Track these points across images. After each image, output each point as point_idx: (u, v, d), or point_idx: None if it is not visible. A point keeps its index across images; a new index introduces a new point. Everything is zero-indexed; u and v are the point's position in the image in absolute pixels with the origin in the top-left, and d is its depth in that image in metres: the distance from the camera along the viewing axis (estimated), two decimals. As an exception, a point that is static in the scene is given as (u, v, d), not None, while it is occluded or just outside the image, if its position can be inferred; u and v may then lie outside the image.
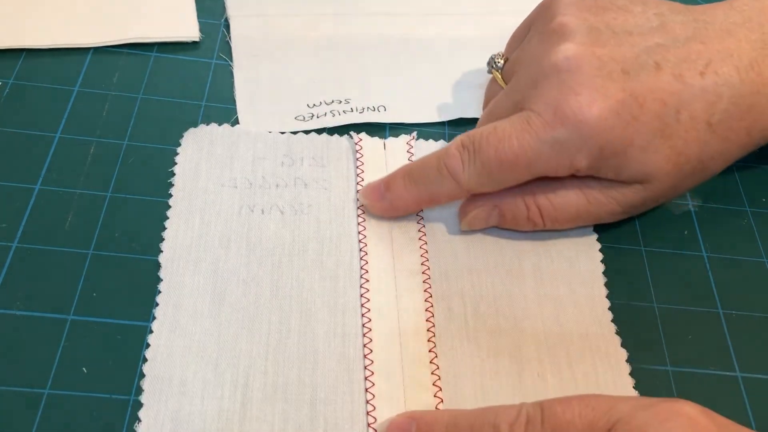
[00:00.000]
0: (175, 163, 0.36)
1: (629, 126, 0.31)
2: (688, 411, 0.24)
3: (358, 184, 0.36)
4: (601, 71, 0.31)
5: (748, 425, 0.31)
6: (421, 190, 0.34)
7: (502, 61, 0.36)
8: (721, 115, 0.32)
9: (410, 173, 0.34)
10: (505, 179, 0.33)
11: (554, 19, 0.33)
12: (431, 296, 0.33)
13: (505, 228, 0.35)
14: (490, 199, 0.34)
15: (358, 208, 0.35)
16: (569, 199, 0.34)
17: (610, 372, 0.31)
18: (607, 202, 0.34)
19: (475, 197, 0.34)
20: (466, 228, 0.35)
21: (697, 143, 0.32)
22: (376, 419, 0.29)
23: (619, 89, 0.31)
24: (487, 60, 0.37)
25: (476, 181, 0.32)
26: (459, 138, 0.33)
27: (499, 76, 0.36)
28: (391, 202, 0.34)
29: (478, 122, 0.36)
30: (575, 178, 0.33)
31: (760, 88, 0.33)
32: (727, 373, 0.32)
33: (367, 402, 0.29)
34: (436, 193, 0.33)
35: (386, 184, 0.34)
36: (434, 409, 0.29)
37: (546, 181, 0.33)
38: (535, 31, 0.35)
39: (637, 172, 0.32)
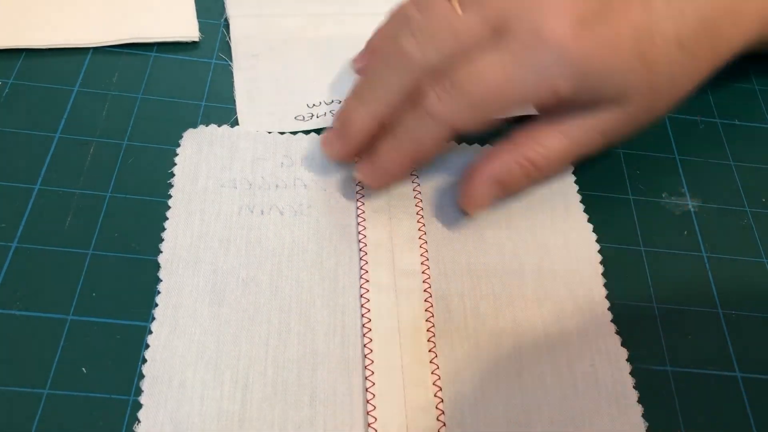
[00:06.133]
0: (175, 164, 0.36)
1: (608, 48, 0.32)
2: None
3: (357, 185, 0.36)
4: None
5: (747, 425, 0.31)
6: (407, 145, 0.33)
7: None
8: (690, 33, 0.33)
9: (394, 134, 0.33)
10: (490, 112, 0.33)
11: None
12: (431, 296, 0.33)
13: (506, 197, 0.36)
14: (485, 173, 0.34)
15: (357, 208, 0.35)
16: (553, 144, 0.34)
17: (610, 372, 0.31)
18: (588, 134, 0.34)
19: (471, 179, 0.34)
20: (475, 211, 0.35)
21: (668, 62, 0.33)
22: (376, 419, 0.29)
23: (597, 13, 0.32)
24: None
25: (460, 117, 0.32)
26: (433, 80, 0.32)
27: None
28: (384, 169, 0.34)
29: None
30: (552, 121, 0.34)
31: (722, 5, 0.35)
32: (727, 373, 0.32)
33: (367, 402, 0.29)
34: (423, 142, 0.33)
35: (371, 154, 0.34)
36: (434, 409, 0.29)
37: (527, 134, 0.34)
38: None
39: (614, 92, 0.33)
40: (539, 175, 0.35)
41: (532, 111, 0.36)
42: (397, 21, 0.36)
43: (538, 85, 0.32)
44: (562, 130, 0.34)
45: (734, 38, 0.36)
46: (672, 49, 0.33)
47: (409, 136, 0.33)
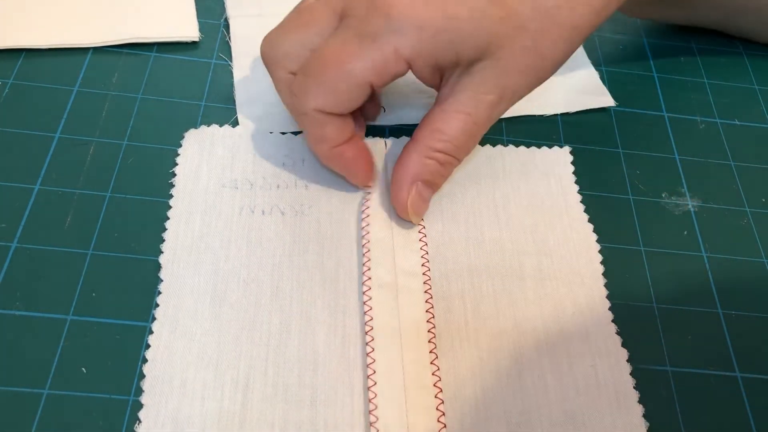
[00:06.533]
0: (176, 164, 0.36)
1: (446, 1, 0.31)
2: None
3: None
4: None
5: (747, 425, 0.31)
6: (313, 147, 0.34)
7: None
8: None
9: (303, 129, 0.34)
10: (344, 89, 0.32)
11: None
12: (431, 297, 0.33)
13: (438, 188, 0.35)
14: (407, 180, 0.34)
15: (358, 208, 0.35)
16: (454, 126, 0.33)
17: (610, 372, 0.31)
18: (482, 102, 0.33)
19: (398, 189, 0.34)
20: (416, 220, 0.34)
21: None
22: (377, 419, 0.29)
23: None
24: None
25: (318, 100, 0.32)
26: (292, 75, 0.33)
27: None
28: (341, 171, 0.35)
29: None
30: (444, 104, 0.33)
31: None
32: (727, 374, 0.32)
33: (369, 401, 0.29)
34: (318, 136, 0.33)
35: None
36: (435, 410, 0.29)
37: (427, 126, 0.33)
38: None
39: (474, 45, 0.31)
40: (456, 160, 0.34)
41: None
42: None
43: (380, 53, 0.31)
44: (456, 108, 0.33)
45: None
46: None
47: (307, 137, 0.34)
